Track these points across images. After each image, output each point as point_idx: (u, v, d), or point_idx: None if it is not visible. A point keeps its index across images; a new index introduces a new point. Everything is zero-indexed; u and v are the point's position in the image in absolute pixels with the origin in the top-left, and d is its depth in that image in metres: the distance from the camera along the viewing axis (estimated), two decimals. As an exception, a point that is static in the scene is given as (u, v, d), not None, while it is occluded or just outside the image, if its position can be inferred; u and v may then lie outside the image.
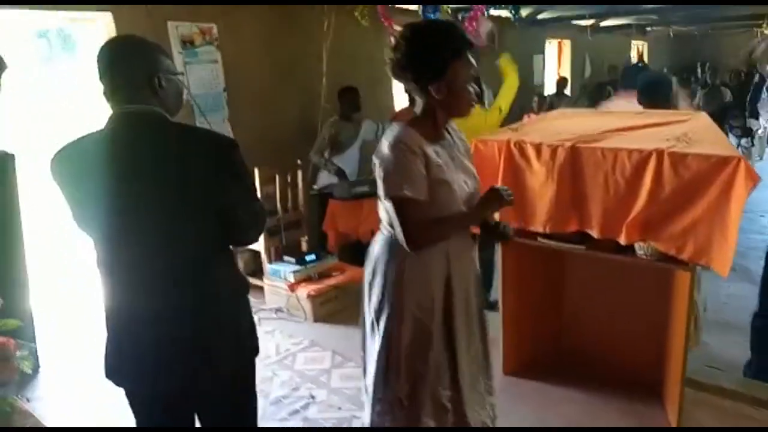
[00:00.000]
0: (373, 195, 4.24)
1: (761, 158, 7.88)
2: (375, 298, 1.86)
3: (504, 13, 6.35)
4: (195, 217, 1.46)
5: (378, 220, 4.42)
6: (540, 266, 2.97)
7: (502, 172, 2.62)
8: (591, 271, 2.92)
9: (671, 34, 11.70)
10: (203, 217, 1.46)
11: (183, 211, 1.45)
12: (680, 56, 12.56)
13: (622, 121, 2.68)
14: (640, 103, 3.42)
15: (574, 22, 9.21)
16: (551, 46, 9.98)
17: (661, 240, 2.26)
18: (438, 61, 1.64)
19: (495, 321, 3.07)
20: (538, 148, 2.51)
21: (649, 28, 11.26)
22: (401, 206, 1.64)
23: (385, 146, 1.68)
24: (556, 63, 10.05)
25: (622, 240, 2.32)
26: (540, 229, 2.58)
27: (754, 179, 1.97)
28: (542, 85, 9.22)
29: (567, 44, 10.06)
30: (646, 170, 2.23)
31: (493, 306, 3.95)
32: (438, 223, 1.73)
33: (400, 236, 1.67)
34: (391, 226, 1.76)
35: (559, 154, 2.44)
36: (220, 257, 1.56)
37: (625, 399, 2.68)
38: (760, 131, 8.02)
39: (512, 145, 2.59)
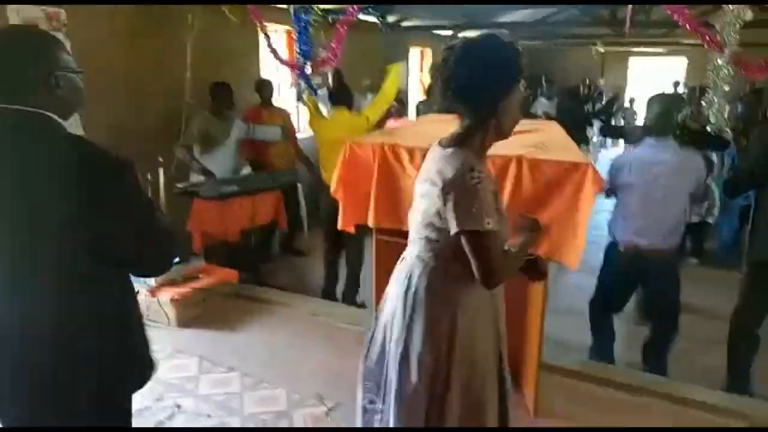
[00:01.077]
0: (242, 194, 4.17)
1: (595, 163, 8.86)
2: (418, 337, 1.66)
3: (371, 18, 6.49)
4: (62, 241, 1.29)
5: (248, 220, 4.31)
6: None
7: (377, 174, 2.69)
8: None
9: (520, 48, 12.68)
10: (75, 241, 1.30)
11: (48, 232, 1.28)
12: (527, 69, 13.65)
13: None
14: None
15: (435, 31, 9.65)
16: (413, 54, 10.36)
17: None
18: (506, 82, 1.56)
19: (364, 317, 3.15)
20: (411, 151, 2.61)
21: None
22: (484, 240, 1.49)
23: (455, 173, 1.51)
24: (418, 70, 10.46)
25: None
26: (412, 229, 2.68)
27: (599, 183, 2.22)
28: (405, 91, 9.54)
29: (429, 52, 10.50)
30: (508, 174, 2.41)
31: (360, 304, 4.06)
32: (511, 258, 1.62)
33: (481, 271, 1.51)
34: (436, 255, 1.64)
35: (430, 157, 2.55)
36: (94, 286, 1.38)
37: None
38: (594, 138, 9.02)
39: (386, 149, 2.67)
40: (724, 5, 3.15)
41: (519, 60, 1.56)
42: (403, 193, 2.66)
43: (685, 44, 10.39)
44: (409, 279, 1.68)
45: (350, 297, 4.14)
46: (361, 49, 7.20)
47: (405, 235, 2.74)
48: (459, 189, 1.50)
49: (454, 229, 1.50)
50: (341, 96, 4.13)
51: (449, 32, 10.14)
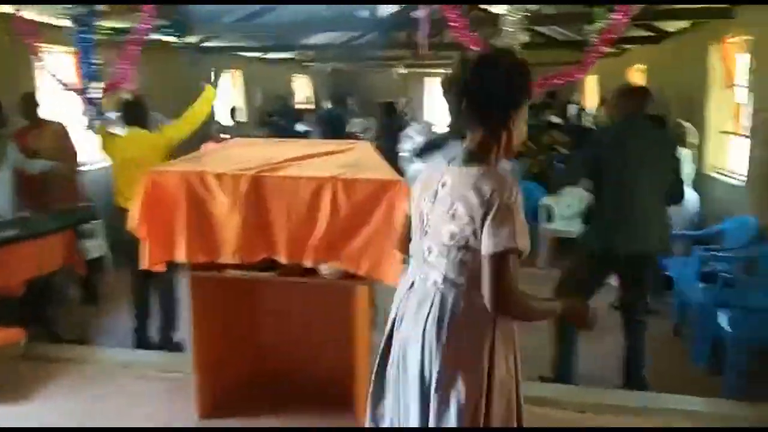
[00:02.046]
0: (24, 239, 3.58)
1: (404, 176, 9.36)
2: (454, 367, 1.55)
3: (169, 38, 6.12)
4: None
5: (34, 268, 3.72)
6: (231, 298, 2.90)
7: (186, 205, 2.49)
8: (284, 296, 2.98)
9: (329, 69, 12.98)
10: None
11: None
12: (336, 90, 14.02)
13: (299, 150, 2.82)
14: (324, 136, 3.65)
15: (241, 53, 9.44)
16: (223, 76, 10.02)
17: (341, 259, 2.44)
18: (522, 95, 1.57)
19: (182, 362, 2.89)
20: (220, 177, 2.47)
21: (308, 64, 12.30)
22: (508, 260, 1.46)
23: (493, 191, 1.46)
24: (231, 92, 10.13)
25: (308, 263, 2.44)
26: (229, 260, 2.52)
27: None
28: (214, 114, 9.15)
29: (239, 74, 10.24)
30: (323, 196, 2.39)
31: (177, 347, 3.72)
32: (533, 301, 1.57)
33: (499, 291, 1.46)
34: (470, 276, 1.53)
35: (242, 183, 2.43)
36: None
37: (318, 413, 2.78)
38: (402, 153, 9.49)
39: (192, 176, 2.49)
40: (503, 28, 3.50)
41: (530, 74, 1.60)
42: (214, 222, 2.50)
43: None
44: (441, 303, 1.57)
45: (166, 340, 3.79)
46: (166, 71, 6.76)
47: (219, 267, 2.60)
48: (499, 208, 1.46)
49: (490, 249, 1.45)
50: (136, 115, 3.80)
51: (258, 54, 10.02)
